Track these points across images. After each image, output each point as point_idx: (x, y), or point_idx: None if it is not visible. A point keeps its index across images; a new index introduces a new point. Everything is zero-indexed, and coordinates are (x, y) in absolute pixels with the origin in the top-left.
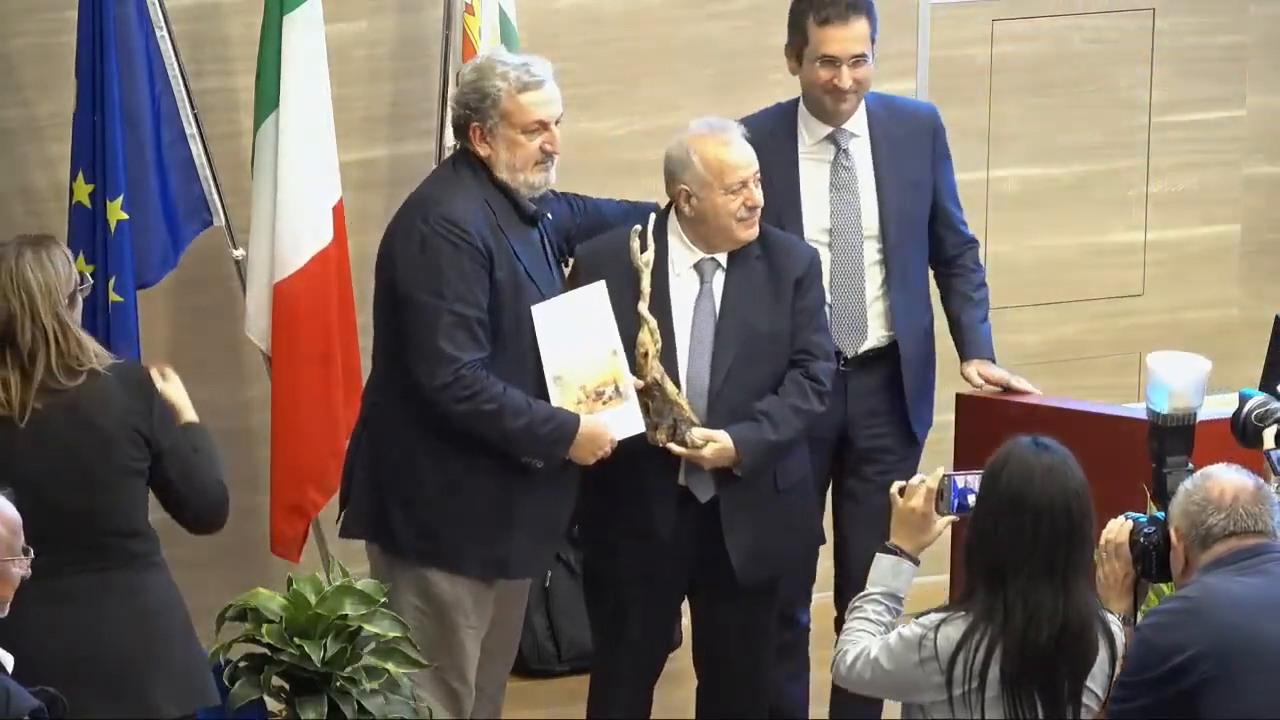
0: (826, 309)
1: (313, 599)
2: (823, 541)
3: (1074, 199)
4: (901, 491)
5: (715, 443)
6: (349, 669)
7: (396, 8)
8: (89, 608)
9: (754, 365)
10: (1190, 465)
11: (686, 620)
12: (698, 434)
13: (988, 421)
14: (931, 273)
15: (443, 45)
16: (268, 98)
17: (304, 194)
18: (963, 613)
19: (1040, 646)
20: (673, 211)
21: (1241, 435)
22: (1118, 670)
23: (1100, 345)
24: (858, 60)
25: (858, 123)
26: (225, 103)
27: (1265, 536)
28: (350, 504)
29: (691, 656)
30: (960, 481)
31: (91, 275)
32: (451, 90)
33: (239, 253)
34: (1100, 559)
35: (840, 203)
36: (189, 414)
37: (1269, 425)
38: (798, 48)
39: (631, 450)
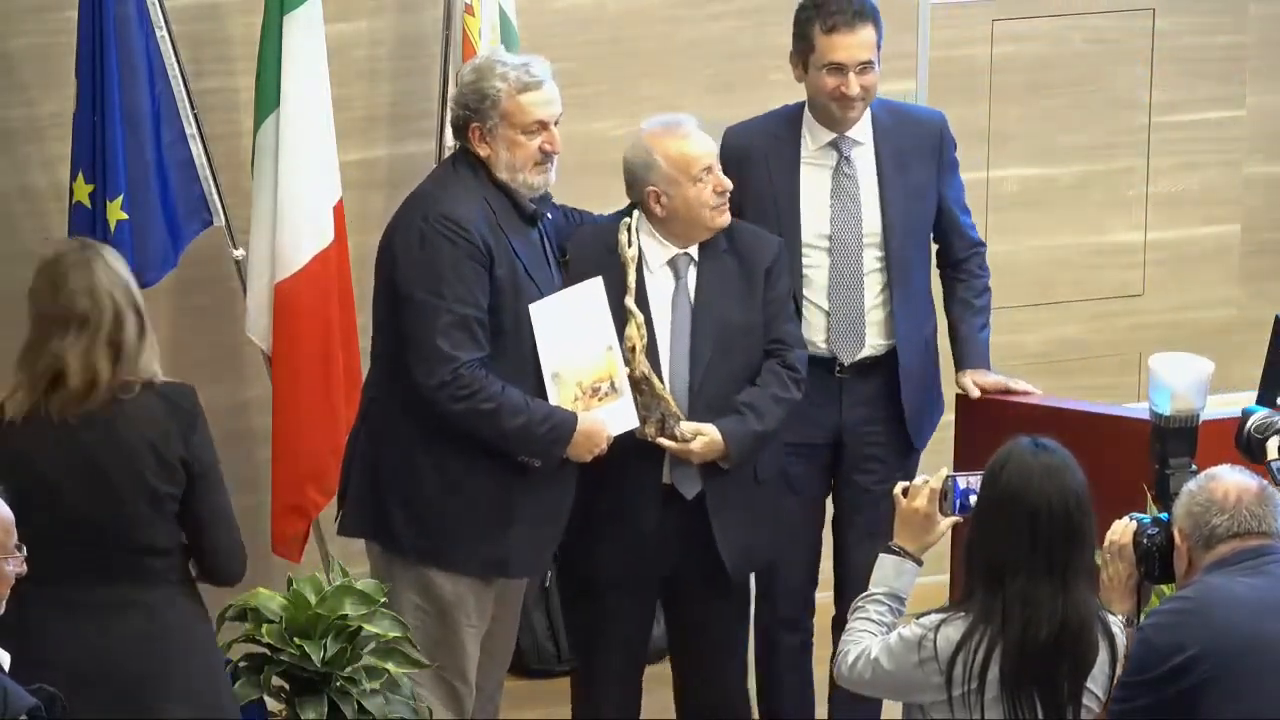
0: (824, 315)
1: (313, 599)
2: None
3: (1074, 199)
4: (905, 492)
5: (704, 436)
6: (349, 669)
7: (396, 8)
8: (99, 620)
9: (731, 357)
10: (1194, 466)
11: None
12: (687, 428)
13: (988, 422)
14: (938, 274)
15: (442, 45)
16: (268, 98)
17: (304, 194)
18: (962, 613)
19: (1039, 647)
20: (636, 211)
21: (1247, 450)
22: (1119, 671)
23: (1100, 345)
24: (865, 67)
25: (862, 130)
26: (225, 103)
27: (1269, 538)
28: (349, 502)
29: (669, 659)
30: (963, 482)
31: None
32: (451, 90)
33: (239, 253)
34: (1104, 560)
35: (840, 209)
36: None
37: (1271, 437)
38: (804, 55)
39: (614, 446)
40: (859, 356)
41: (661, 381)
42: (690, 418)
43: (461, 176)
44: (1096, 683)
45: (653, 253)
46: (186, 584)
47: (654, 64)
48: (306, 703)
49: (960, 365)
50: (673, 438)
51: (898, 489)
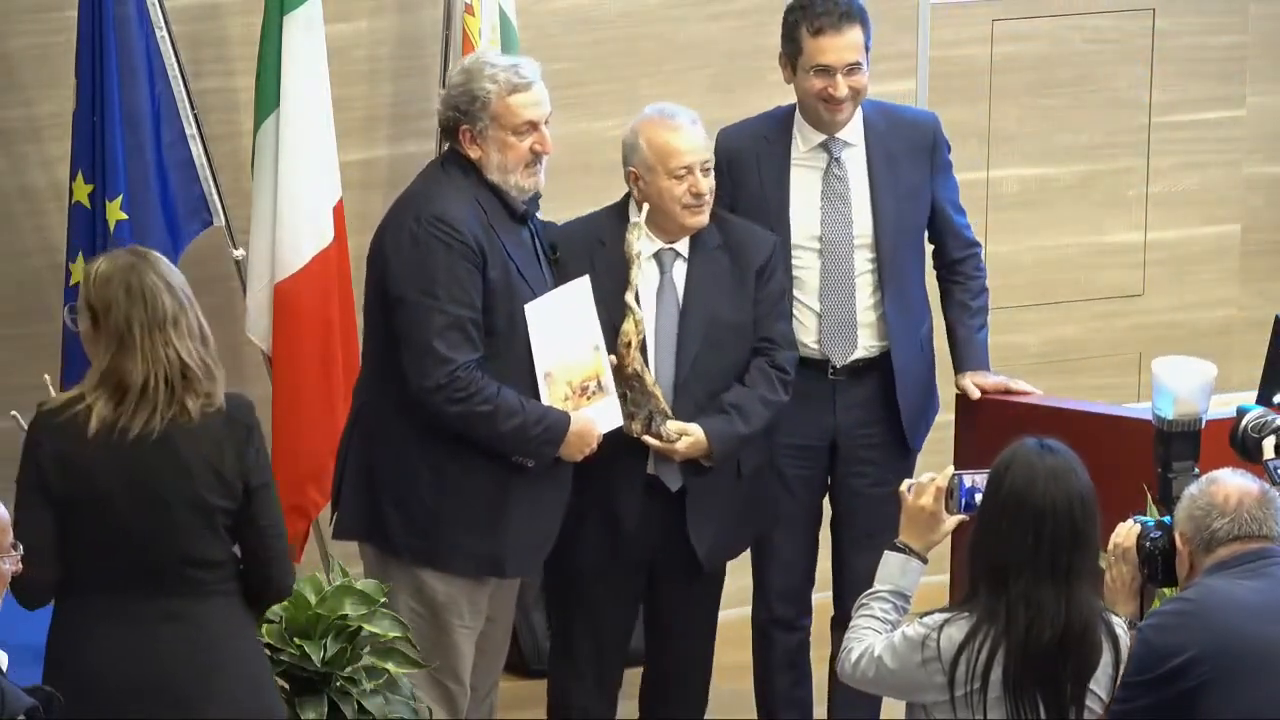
0: (816, 317)
1: (313, 599)
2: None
3: (1074, 199)
4: (911, 490)
5: (689, 436)
6: (349, 669)
7: (396, 8)
8: (149, 631)
9: (719, 355)
10: (1196, 470)
11: None
12: (673, 427)
13: (988, 423)
14: (933, 277)
15: (442, 45)
16: (268, 98)
17: (304, 194)
18: (966, 613)
19: (1042, 648)
20: (632, 201)
21: (1241, 449)
22: (1121, 672)
23: (1100, 345)
24: (852, 68)
25: (854, 132)
26: (225, 103)
27: (1269, 541)
28: (343, 505)
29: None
30: (968, 481)
31: None
32: (439, 93)
33: (239, 253)
34: (1108, 563)
35: (831, 211)
36: None
37: (1267, 436)
38: (792, 57)
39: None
40: (852, 358)
41: (649, 372)
42: (675, 412)
43: (452, 177)
44: (1099, 684)
45: (639, 245)
46: (235, 595)
47: (653, 64)
48: (306, 703)
49: (959, 367)
50: (658, 436)
51: (903, 487)
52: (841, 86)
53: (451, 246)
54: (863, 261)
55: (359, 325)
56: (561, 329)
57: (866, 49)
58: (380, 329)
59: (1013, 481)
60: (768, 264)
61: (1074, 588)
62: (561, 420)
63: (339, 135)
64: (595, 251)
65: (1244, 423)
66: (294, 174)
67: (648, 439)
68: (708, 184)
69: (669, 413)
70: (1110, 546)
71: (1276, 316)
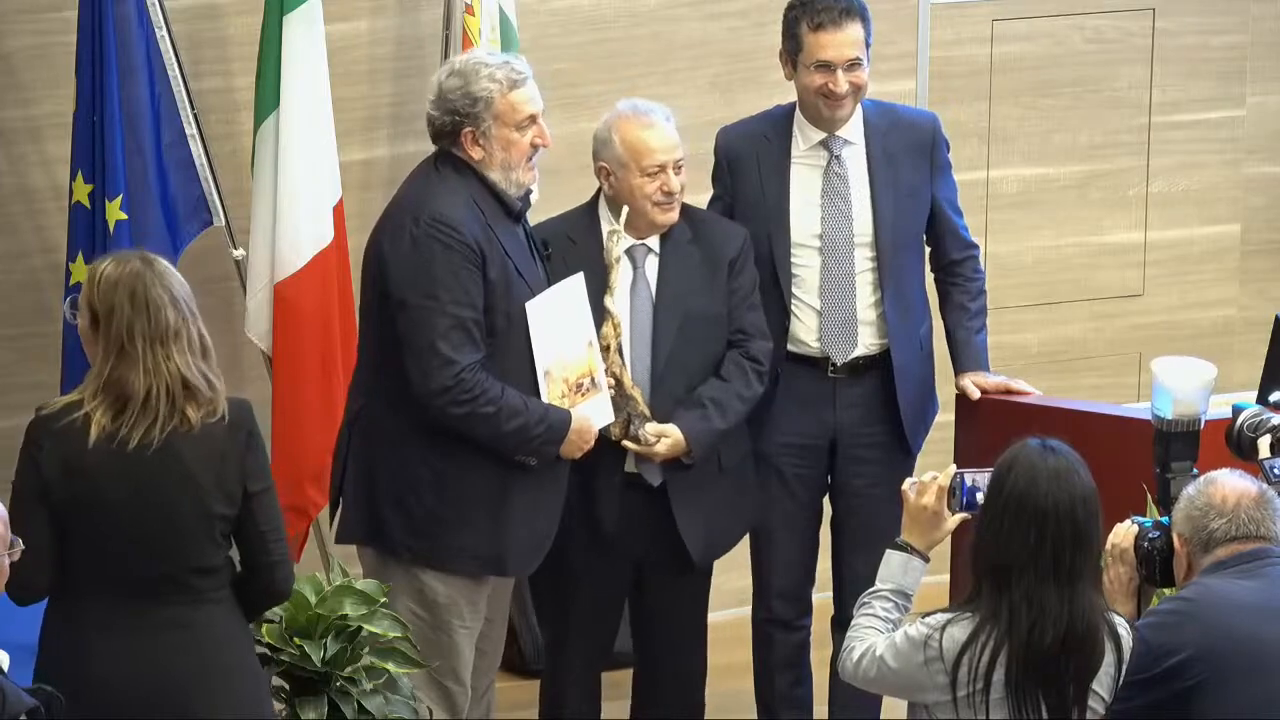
0: (816, 315)
1: (313, 599)
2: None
3: (1074, 199)
4: (913, 489)
5: (668, 438)
6: (349, 669)
7: (396, 8)
8: (147, 638)
9: (694, 348)
10: (1195, 471)
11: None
12: (651, 429)
13: (988, 422)
14: (932, 278)
15: (442, 45)
16: (268, 98)
17: (304, 194)
18: (969, 614)
19: (1045, 649)
20: (602, 197)
21: (1237, 447)
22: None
23: (1100, 345)
24: (853, 65)
25: (854, 130)
26: (225, 103)
27: (1267, 541)
28: (344, 509)
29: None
30: (970, 479)
31: None
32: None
33: (239, 253)
34: (1106, 563)
35: (831, 209)
36: None
37: (1262, 435)
38: (792, 53)
39: None
40: (852, 357)
41: (628, 373)
42: (653, 406)
43: (446, 178)
44: (1102, 684)
45: (618, 244)
46: (230, 601)
47: (653, 64)
48: (306, 703)
49: (959, 368)
50: (636, 439)
51: (906, 485)
52: (842, 82)
53: (451, 248)
54: (863, 260)
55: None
56: (559, 326)
57: (867, 45)
58: (376, 331)
59: (1015, 482)
60: (739, 256)
61: (1077, 588)
62: (563, 419)
63: (339, 135)
64: (566, 250)
65: (1240, 421)
66: (294, 174)
67: (627, 443)
68: (679, 182)
69: (648, 414)
70: (1108, 547)
71: (1276, 316)
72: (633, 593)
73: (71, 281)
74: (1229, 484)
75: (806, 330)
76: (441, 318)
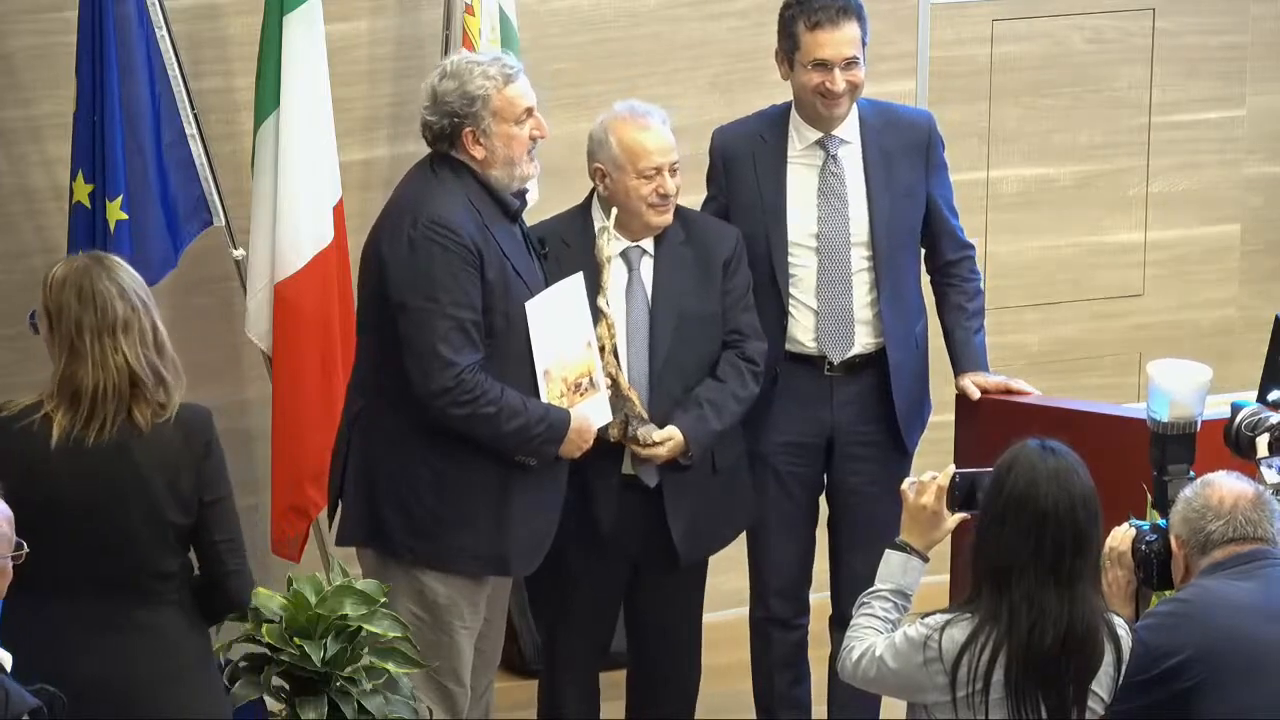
0: (813, 314)
1: (313, 599)
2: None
3: (1074, 199)
4: (913, 489)
5: (671, 440)
6: (349, 669)
7: (396, 8)
8: (101, 637)
9: (691, 348)
10: (1192, 474)
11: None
12: (650, 432)
13: (987, 422)
14: (928, 279)
15: (443, 45)
16: (268, 98)
17: (304, 194)
18: (968, 615)
19: (1045, 650)
20: (596, 199)
21: (1235, 446)
22: (1123, 673)
23: (1100, 345)
24: (849, 63)
25: (850, 129)
26: (225, 103)
27: (1264, 543)
28: (345, 512)
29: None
30: (970, 480)
31: None
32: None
33: (239, 253)
34: (1104, 566)
35: (828, 209)
36: None
37: (1261, 434)
38: (788, 53)
39: None
40: (848, 355)
41: (624, 375)
42: (651, 407)
43: (443, 180)
44: (1101, 685)
45: (609, 244)
46: (188, 604)
47: (653, 64)
48: (306, 703)
49: (959, 369)
50: (636, 441)
51: (906, 485)
52: (839, 81)
53: (450, 250)
54: (859, 259)
55: None
56: (558, 326)
57: (863, 44)
58: (375, 333)
59: (1015, 483)
60: (733, 257)
61: (1076, 589)
62: (563, 418)
63: (339, 135)
64: (561, 251)
65: (1238, 420)
66: (294, 174)
67: (635, 448)
68: (675, 184)
69: (645, 415)
70: (1105, 550)
71: (1277, 316)
72: (627, 592)
73: None
74: (1226, 486)
75: (803, 329)
76: (441, 320)
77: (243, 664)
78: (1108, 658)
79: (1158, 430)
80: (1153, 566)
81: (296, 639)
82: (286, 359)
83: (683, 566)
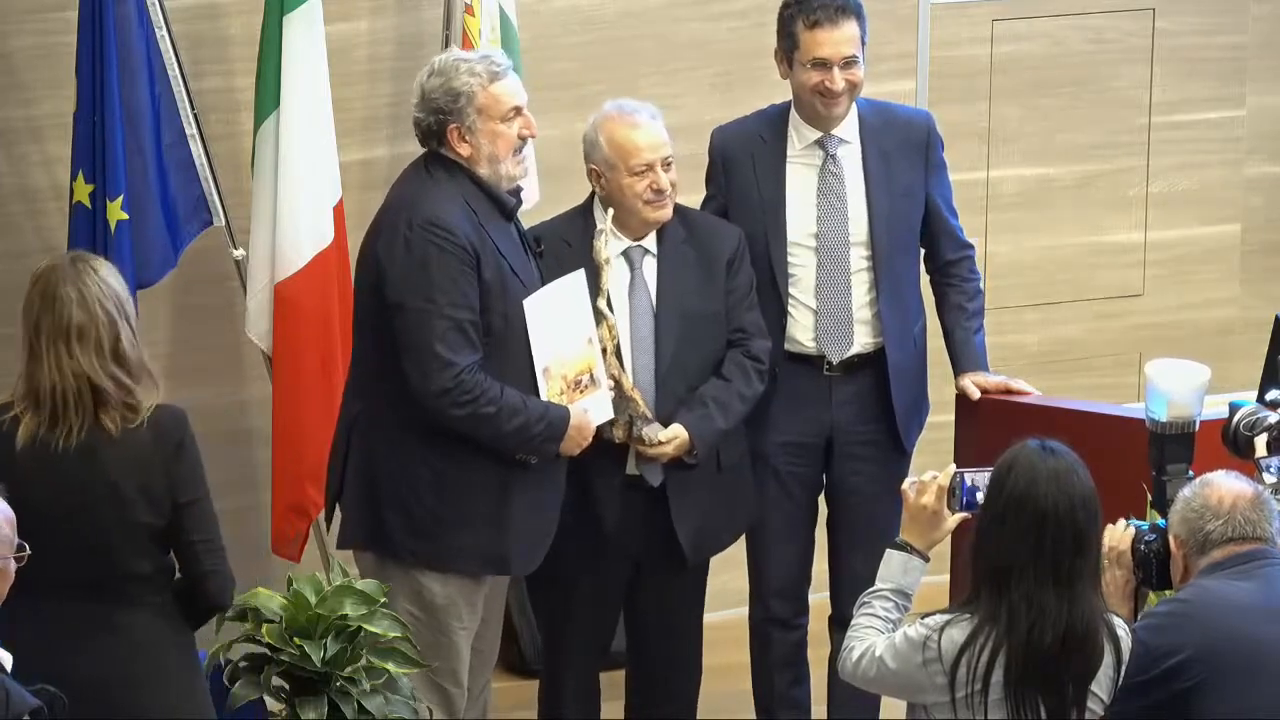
0: (812, 314)
1: (313, 599)
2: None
3: (1074, 199)
4: (913, 488)
5: (677, 438)
6: (349, 669)
7: (396, 8)
8: (76, 638)
9: (695, 348)
10: (1191, 473)
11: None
12: (655, 431)
13: (988, 422)
14: (927, 279)
15: (443, 45)
16: (268, 98)
17: (304, 194)
18: (967, 615)
19: (1044, 651)
20: (596, 199)
21: (1233, 445)
22: (1122, 674)
23: (1100, 345)
24: (848, 62)
25: (849, 129)
26: (225, 103)
27: (1263, 542)
28: (345, 515)
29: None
30: (970, 479)
31: None
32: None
33: (239, 253)
34: (1103, 566)
35: (827, 208)
36: None
37: (1259, 434)
38: (788, 52)
39: None
40: (847, 355)
41: (627, 376)
42: (657, 409)
43: (438, 180)
44: (1101, 685)
45: (607, 245)
46: (167, 606)
47: (654, 64)
48: (306, 703)
49: (959, 369)
50: (642, 440)
51: (906, 485)
52: (838, 80)
53: (446, 250)
54: (858, 259)
55: None
56: (557, 323)
57: (863, 44)
58: (373, 334)
59: (1015, 483)
60: (735, 255)
61: (1076, 590)
62: (562, 416)
63: (339, 135)
64: (562, 253)
65: (1236, 419)
66: (294, 174)
67: (641, 449)
68: (669, 179)
69: (649, 415)
70: (1104, 550)
71: (1277, 316)
72: (628, 591)
73: None
74: (1224, 486)
75: (802, 329)
76: (439, 320)
77: (243, 664)
78: (1107, 658)
79: (1156, 430)
80: (1152, 566)
81: (296, 639)
82: (287, 359)
83: (690, 569)
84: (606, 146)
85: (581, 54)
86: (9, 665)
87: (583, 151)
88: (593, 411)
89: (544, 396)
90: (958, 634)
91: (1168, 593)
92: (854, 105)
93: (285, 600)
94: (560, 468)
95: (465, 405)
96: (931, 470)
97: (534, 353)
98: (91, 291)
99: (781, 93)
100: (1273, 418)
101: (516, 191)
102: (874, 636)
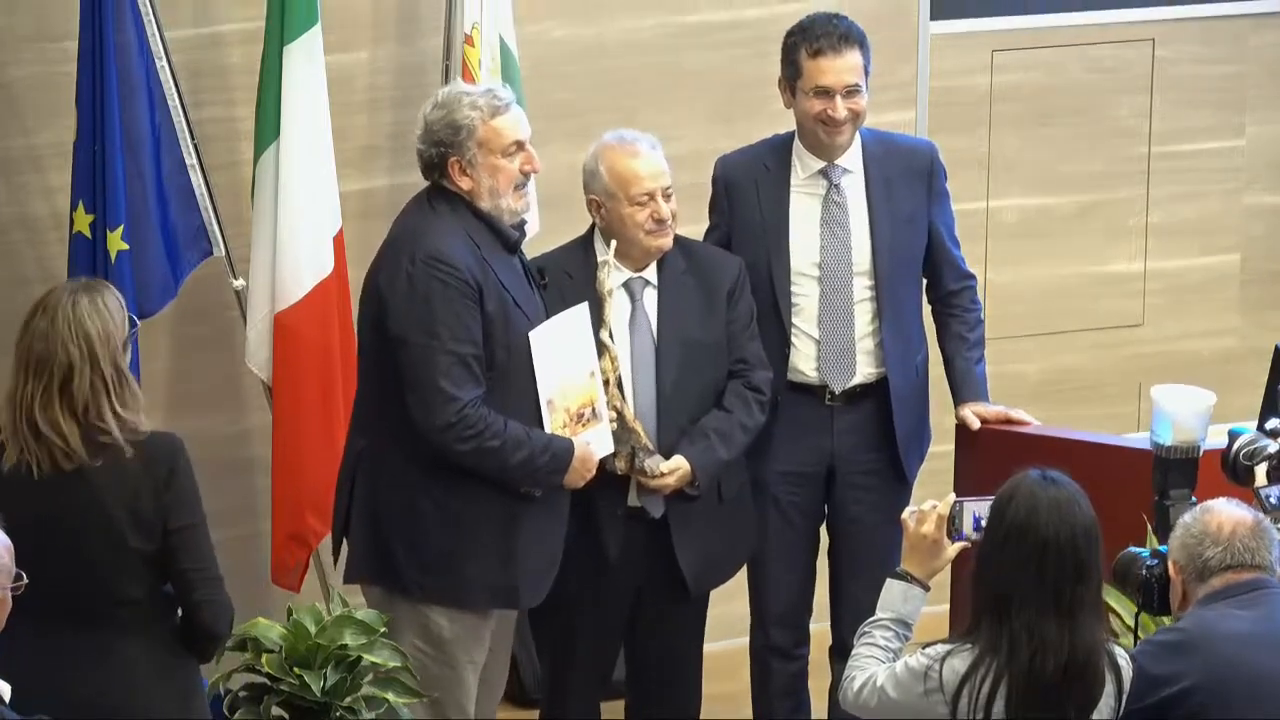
0: (814, 344)
1: (312, 629)
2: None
3: (1074, 228)
4: (913, 517)
5: (679, 470)
6: (349, 699)
7: (396, 38)
8: (67, 664)
9: (697, 379)
10: (1194, 499)
11: None
12: (657, 463)
13: (988, 452)
14: (929, 309)
15: (443, 76)
16: (268, 128)
17: (304, 224)
18: (969, 645)
19: (1046, 680)
20: (596, 230)
21: (1233, 473)
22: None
23: (1100, 375)
24: (851, 91)
25: (852, 158)
26: (225, 132)
27: (1262, 571)
28: (352, 550)
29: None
30: (970, 509)
31: None
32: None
33: (239, 283)
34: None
35: (830, 238)
36: None
37: (1259, 463)
38: (791, 80)
39: None
40: (850, 385)
41: (629, 407)
42: (659, 440)
43: (440, 214)
44: (1102, 715)
45: (609, 276)
46: (160, 634)
47: (653, 94)
48: None
49: (959, 398)
50: (644, 472)
51: (906, 514)
52: (840, 108)
53: (449, 285)
54: (861, 288)
55: None
56: (561, 356)
57: (866, 72)
58: (375, 369)
59: (1016, 512)
60: (736, 285)
61: (1077, 619)
62: (566, 448)
63: (339, 165)
64: (564, 284)
65: (1236, 447)
66: (294, 204)
67: (643, 480)
68: (670, 209)
69: (650, 446)
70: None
71: (1277, 346)
72: (628, 621)
73: None
74: (1225, 513)
75: (805, 359)
76: (442, 355)
77: (242, 694)
78: (1108, 688)
79: (1160, 454)
80: (1153, 592)
81: (296, 669)
82: (287, 388)
83: (692, 600)
84: (607, 176)
85: (581, 84)
86: (7, 696)
87: (582, 182)
88: (594, 444)
89: (547, 429)
90: (959, 664)
91: (1166, 620)
92: (858, 134)
93: (285, 630)
94: (564, 498)
95: (470, 440)
96: (931, 499)
97: (539, 385)
98: (60, 326)
99: (781, 122)
100: (1273, 447)
101: (520, 225)
102: (875, 666)
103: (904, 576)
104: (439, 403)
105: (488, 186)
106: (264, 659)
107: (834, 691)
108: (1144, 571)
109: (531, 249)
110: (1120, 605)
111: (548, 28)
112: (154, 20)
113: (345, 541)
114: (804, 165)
